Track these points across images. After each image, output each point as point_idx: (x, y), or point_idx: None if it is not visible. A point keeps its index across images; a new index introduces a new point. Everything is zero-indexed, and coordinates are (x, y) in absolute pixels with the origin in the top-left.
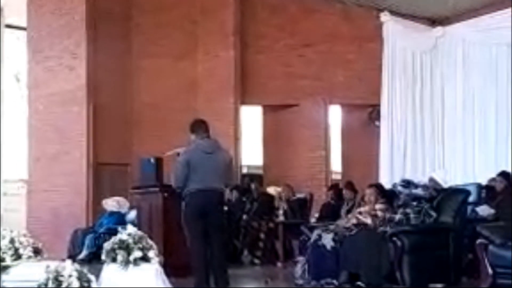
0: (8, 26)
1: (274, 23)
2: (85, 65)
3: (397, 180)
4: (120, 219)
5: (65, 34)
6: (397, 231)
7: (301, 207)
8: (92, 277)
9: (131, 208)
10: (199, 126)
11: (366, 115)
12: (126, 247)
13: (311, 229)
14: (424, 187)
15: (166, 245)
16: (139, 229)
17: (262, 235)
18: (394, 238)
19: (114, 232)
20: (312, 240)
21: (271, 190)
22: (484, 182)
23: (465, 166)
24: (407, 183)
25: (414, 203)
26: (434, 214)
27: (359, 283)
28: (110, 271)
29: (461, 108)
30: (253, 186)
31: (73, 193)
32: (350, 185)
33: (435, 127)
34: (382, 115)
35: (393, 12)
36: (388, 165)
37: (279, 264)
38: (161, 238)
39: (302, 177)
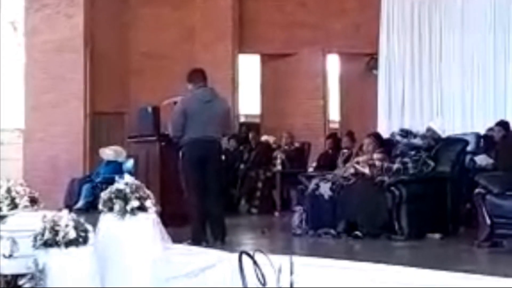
0: None
1: None
2: (83, 13)
3: (395, 129)
4: (117, 168)
5: None
6: (395, 180)
7: (298, 156)
8: (89, 227)
9: (128, 157)
10: (197, 75)
11: (364, 64)
12: (123, 197)
13: (309, 178)
14: (422, 136)
15: (163, 194)
16: (136, 178)
17: (259, 185)
18: (392, 188)
19: (111, 182)
20: (309, 189)
21: (268, 138)
22: (482, 131)
23: (463, 115)
24: (405, 133)
25: (412, 153)
26: (432, 163)
27: (357, 232)
28: (107, 221)
29: (460, 57)
30: (251, 135)
31: (70, 142)
32: (350, 134)
33: (433, 76)
34: (380, 64)
35: None
36: (386, 114)
37: (276, 214)
38: (158, 188)
39: (300, 126)
